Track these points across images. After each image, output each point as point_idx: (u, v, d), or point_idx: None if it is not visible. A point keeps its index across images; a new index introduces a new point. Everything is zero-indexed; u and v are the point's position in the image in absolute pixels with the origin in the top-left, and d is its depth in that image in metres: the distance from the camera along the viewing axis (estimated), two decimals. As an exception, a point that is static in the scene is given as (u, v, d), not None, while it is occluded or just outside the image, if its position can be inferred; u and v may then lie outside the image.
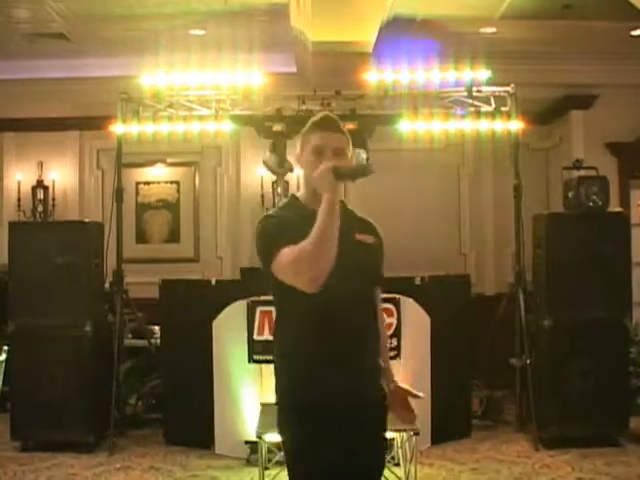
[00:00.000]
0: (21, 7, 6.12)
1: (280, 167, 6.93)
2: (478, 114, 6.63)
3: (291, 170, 6.88)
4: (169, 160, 8.59)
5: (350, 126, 6.56)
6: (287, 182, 7.31)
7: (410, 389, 2.74)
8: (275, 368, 2.66)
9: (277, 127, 6.64)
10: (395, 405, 2.71)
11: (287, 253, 2.44)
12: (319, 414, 2.51)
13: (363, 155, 6.69)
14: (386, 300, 5.58)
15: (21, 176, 8.45)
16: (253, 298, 5.50)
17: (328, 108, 6.64)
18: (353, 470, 2.56)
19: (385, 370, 2.74)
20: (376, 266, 2.74)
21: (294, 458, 2.58)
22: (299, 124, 2.74)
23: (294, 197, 2.72)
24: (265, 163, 7.05)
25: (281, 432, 2.65)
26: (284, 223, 2.55)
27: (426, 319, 5.83)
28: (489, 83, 6.59)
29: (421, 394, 2.70)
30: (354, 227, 2.64)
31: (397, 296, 5.66)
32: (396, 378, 2.77)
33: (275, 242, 2.50)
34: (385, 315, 5.52)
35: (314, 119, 2.68)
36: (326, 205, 2.40)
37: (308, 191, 2.63)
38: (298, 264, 2.41)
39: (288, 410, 2.58)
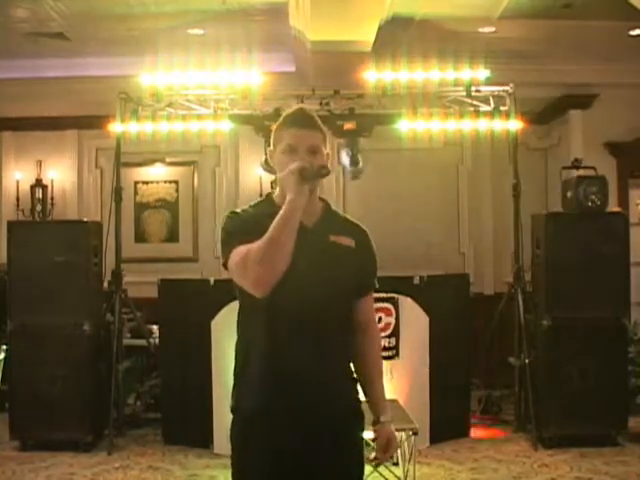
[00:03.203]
0: (20, 6, 6.11)
1: None
2: (477, 113, 6.63)
3: None
4: (168, 159, 8.58)
5: (349, 125, 6.58)
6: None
7: (391, 438, 2.51)
8: None
9: (276, 126, 6.63)
10: (377, 445, 2.53)
11: (239, 252, 2.32)
12: (248, 425, 2.42)
13: (346, 157, 6.68)
14: (385, 300, 5.60)
15: (20, 175, 8.44)
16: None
17: (327, 107, 6.64)
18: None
19: (374, 404, 2.54)
20: (355, 271, 2.47)
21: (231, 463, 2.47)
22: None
23: (269, 196, 2.54)
24: (264, 164, 7.03)
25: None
26: (247, 221, 2.41)
27: (425, 318, 5.83)
28: (488, 83, 6.58)
29: (392, 459, 2.44)
30: (331, 228, 2.48)
31: (396, 295, 5.68)
32: (385, 418, 2.52)
33: (232, 240, 2.37)
34: (384, 314, 5.61)
35: (287, 113, 2.50)
36: (287, 207, 2.28)
37: (282, 190, 2.43)
38: (245, 264, 2.29)
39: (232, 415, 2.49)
